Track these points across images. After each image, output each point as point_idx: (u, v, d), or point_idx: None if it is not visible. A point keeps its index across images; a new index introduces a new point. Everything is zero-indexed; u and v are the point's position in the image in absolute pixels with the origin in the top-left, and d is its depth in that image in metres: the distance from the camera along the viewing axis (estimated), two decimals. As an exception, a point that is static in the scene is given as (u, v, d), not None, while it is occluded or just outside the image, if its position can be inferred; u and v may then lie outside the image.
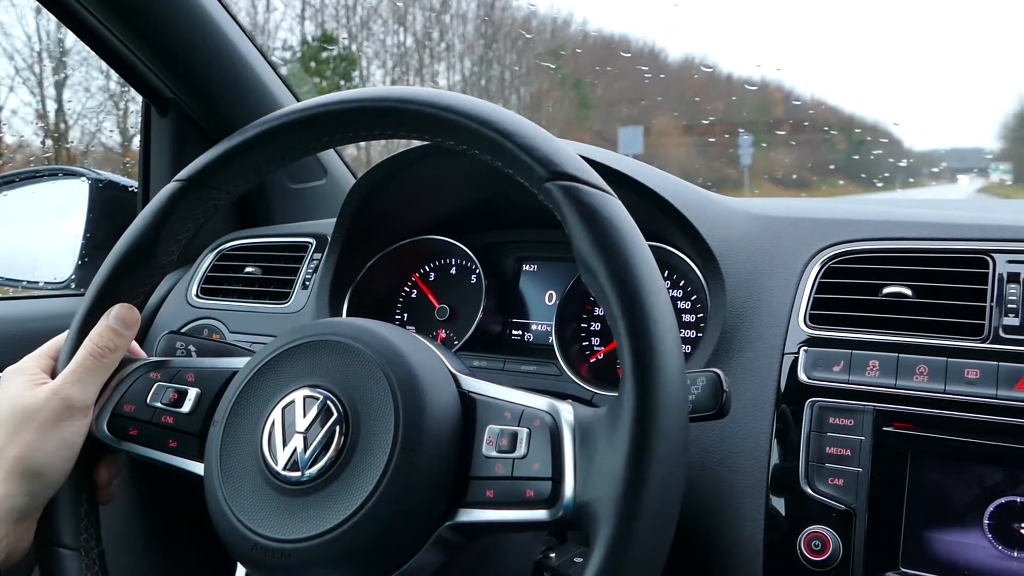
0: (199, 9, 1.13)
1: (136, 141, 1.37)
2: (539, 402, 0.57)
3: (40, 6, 1.06)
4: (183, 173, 0.70)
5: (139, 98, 1.27)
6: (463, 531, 0.57)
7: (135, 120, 1.37)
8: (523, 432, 0.55)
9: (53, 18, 1.10)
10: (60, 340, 0.71)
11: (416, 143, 0.96)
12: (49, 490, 0.65)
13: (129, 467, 0.74)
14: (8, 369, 0.69)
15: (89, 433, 0.67)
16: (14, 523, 0.63)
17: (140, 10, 1.09)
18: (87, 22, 1.09)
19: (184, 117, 1.24)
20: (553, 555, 0.73)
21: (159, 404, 0.67)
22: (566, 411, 0.56)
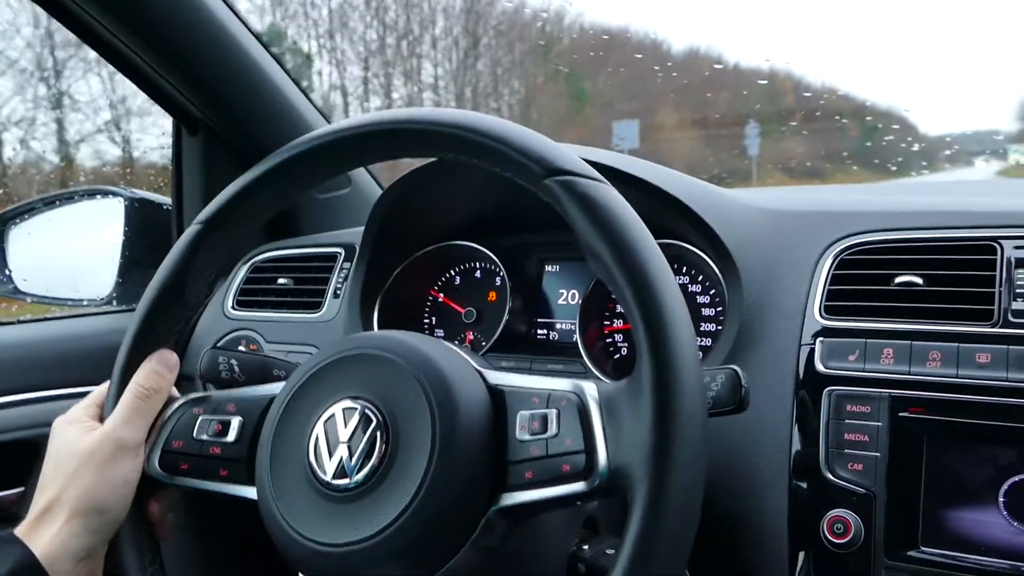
0: (225, 31, 1.16)
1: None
2: (563, 384, 0.61)
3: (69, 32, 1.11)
4: (202, 215, 0.73)
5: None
6: (509, 514, 0.60)
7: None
8: (552, 413, 0.59)
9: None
10: (104, 389, 0.75)
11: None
12: (111, 527, 0.69)
13: (185, 501, 0.78)
14: (57, 420, 0.73)
15: (142, 472, 0.71)
16: (80, 562, 0.67)
17: (166, 33, 1.12)
18: (114, 46, 1.13)
19: (214, 136, 1.28)
20: (586, 547, 0.76)
21: (205, 436, 0.71)
22: (590, 388, 0.60)
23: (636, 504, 0.53)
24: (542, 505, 0.60)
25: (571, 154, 0.63)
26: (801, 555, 0.77)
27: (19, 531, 0.67)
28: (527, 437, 0.59)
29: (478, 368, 0.65)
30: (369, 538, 0.58)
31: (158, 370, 0.73)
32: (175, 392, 0.77)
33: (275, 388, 0.71)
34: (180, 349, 0.77)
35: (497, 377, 0.64)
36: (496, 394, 0.63)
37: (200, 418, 0.72)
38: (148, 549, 0.71)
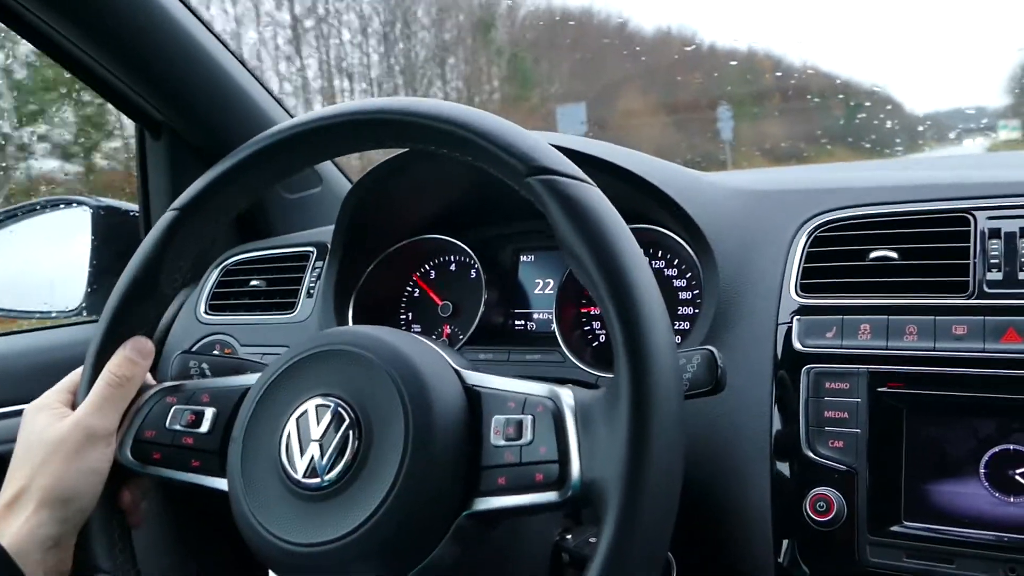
0: (181, 30, 1.14)
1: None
2: (540, 389, 0.60)
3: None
4: (177, 202, 0.72)
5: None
6: (480, 519, 0.59)
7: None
8: (527, 419, 0.58)
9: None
10: (77, 375, 0.74)
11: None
12: (80, 516, 0.68)
13: (157, 489, 0.77)
14: (29, 406, 0.72)
15: (114, 460, 0.70)
16: (48, 551, 0.66)
17: (122, 35, 1.10)
18: (67, 50, 1.10)
19: (177, 139, 1.26)
20: (569, 536, 0.76)
21: (178, 426, 0.70)
22: (566, 395, 0.59)
23: (608, 519, 0.52)
24: (514, 511, 0.59)
25: (554, 151, 0.61)
26: (785, 542, 0.76)
27: None
28: (502, 442, 0.59)
29: (455, 367, 0.64)
30: (339, 539, 0.57)
31: (132, 357, 0.72)
32: (150, 380, 0.76)
33: (250, 379, 0.70)
34: (155, 338, 0.76)
35: (474, 377, 0.63)
36: (472, 395, 0.62)
37: (174, 408, 0.71)
38: (119, 538, 0.70)
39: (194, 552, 1.22)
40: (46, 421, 0.69)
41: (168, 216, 0.72)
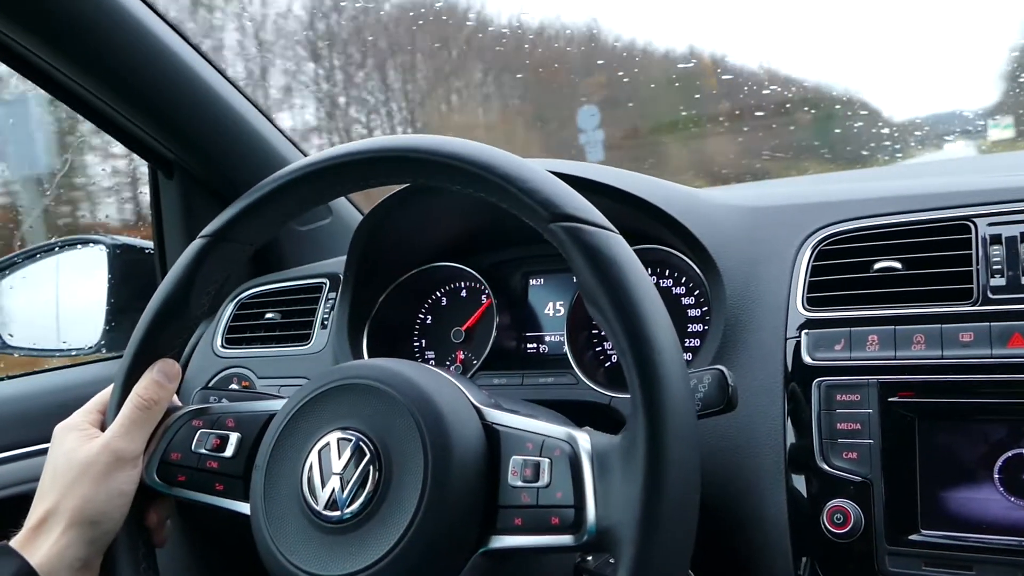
0: (190, 71, 1.16)
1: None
2: (558, 432, 0.61)
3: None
4: (208, 229, 0.74)
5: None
6: (495, 557, 0.60)
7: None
8: (545, 462, 0.59)
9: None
10: (106, 395, 0.76)
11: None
12: (107, 537, 0.69)
13: (180, 511, 0.78)
14: (59, 426, 0.74)
15: (140, 481, 0.71)
16: (77, 572, 0.67)
17: (129, 76, 1.12)
18: (78, 93, 1.12)
19: (190, 177, 1.28)
20: (590, 559, 0.76)
21: (203, 450, 0.71)
22: (583, 440, 0.59)
23: (622, 567, 0.54)
24: (529, 551, 0.60)
25: (578, 197, 0.63)
26: (804, 560, 0.77)
27: (15, 542, 0.67)
28: (519, 483, 0.60)
29: (475, 404, 0.65)
30: (357, 572, 0.58)
31: (159, 380, 0.73)
32: (176, 402, 0.77)
33: (275, 405, 0.71)
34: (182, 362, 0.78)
35: (494, 415, 0.64)
36: (491, 433, 0.63)
37: (199, 431, 0.72)
38: (143, 557, 0.71)
39: (216, 574, 1.22)
40: (75, 442, 0.71)
41: (199, 242, 0.74)
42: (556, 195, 0.62)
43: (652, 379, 0.56)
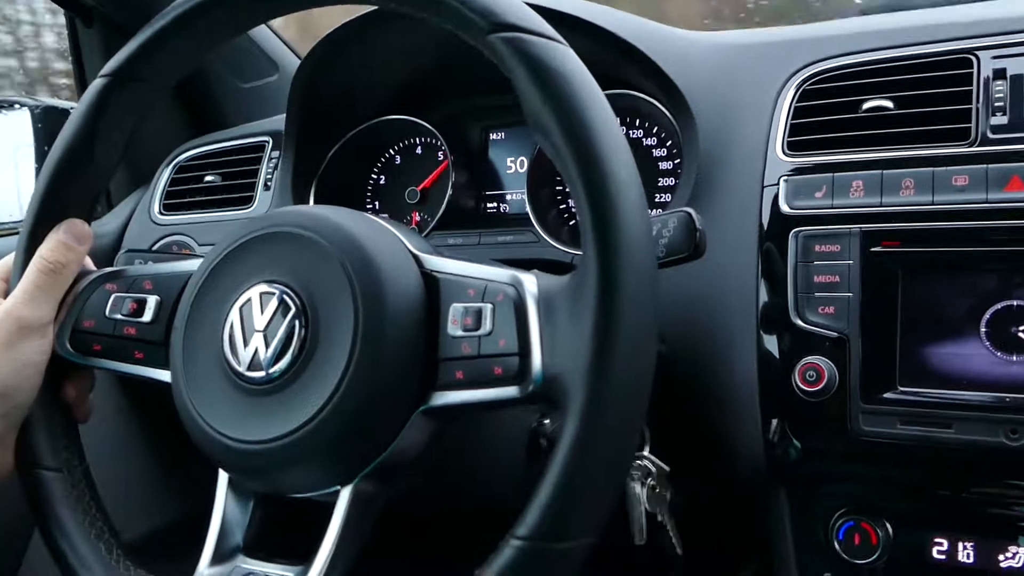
0: None
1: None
2: (502, 275, 0.54)
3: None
4: (108, 67, 0.66)
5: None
6: (438, 416, 0.56)
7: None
8: (487, 308, 0.53)
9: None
10: (8, 261, 0.69)
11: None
12: (19, 411, 0.64)
13: (105, 382, 0.73)
14: None
15: (52, 352, 0.65)
16: None
17: None
18: None
19: (110, 24, 1.16)
20: (547, 421, 0.72)
21: (119, 316, 0.65)
22: (529, 282, 0.53)
23: (570, 416, 0.48)
24: (472, 407, 0.55)
25: (520, 4, 0.54)
26: (774, 422, 0.72)
27: None
28: (460, 333, 0.54)
29: (413, 251, 0.58)
30: (284, 436, 0.53)
31: (66, 241, 0.66)
32: (89, 266, 0.70)
33: (195, 264, 0.64)
34: (106, 243, 0.70)
35: (433, 262, 0.57)
36: (430, 281, 0.57)
37: (114, 295, 0.66)
38: (63, 433, 0.66)
39: (146, 445, 1.17)
40: None
41: (98, 83, 0.66)
42: (495, 2, 0.53)
43: (604, 206, 0.49)
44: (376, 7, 0.65)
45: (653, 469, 0.73)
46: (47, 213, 0.67)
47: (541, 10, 0.63)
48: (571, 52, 0.53)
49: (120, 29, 1.16)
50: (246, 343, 0.56)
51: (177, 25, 0.64)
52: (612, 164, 0.50)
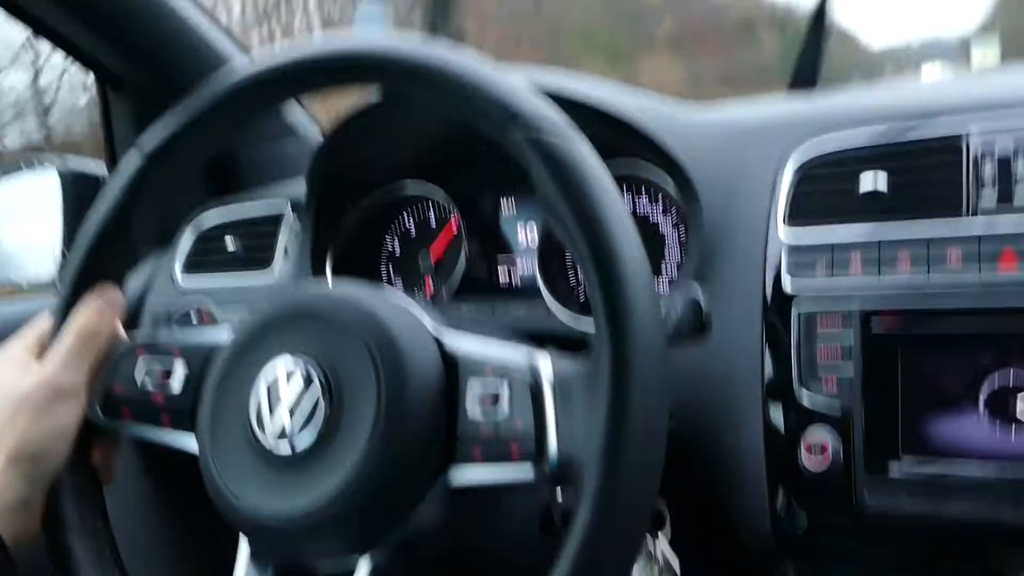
0: None
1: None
2: (519, 356, 0.57)
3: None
4: (145, 144, 0.69)
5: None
6: (454, 490, 0.57)
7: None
8: (505, 389, 0.56)
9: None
10: (44, 324, 0.71)
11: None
12: (49, 475, 0.66)
13: (130, 446, 0.75)
14: None
15: (83, 416, 0.68)
16: (15, 512, 0.64)
17: None
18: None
19: (140, 91, 1.20)
20: (560, 498, 0.74)
21: (148, 382, 0.68)
22: (545, 365, 0.56)
23: (585, 499, 0.50)
24: (490, 488, 0.57)
25: (539, 100, 0.57)
26: (781, 489, 0.74)
27: None
28: (478, 412, 0.56)
29: (432, 329, 0.61)
30: (307, 508, 0.55)
31: (100, 308, 0.69)
32: (121, 332, 0.73)
33: (223, 335, 0.67)
34: (130, 304, 0.73)
35: (452, 341, 0.60)
36: (450, 360, 0.59)
37: (144, 362, 0.68)
38: (89, 497, 0.68)
39: (169, 511, 1.19)
40: (11, 376, 0.67)
41: (135, 159, 0.69)
42: (514, 97, 0.57)
43: (617, 298, 0.52)
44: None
45: (661, 561, 0.75)
46: (83, 281, 0.70)
47: (549, 89, 0.66)
48: (586, 147, 0.56)
49: (150, 95, 1.21)
50: (272, 416, 0.58)
51: (214, 105, 0.67)
52: (624, 257, 0.53)
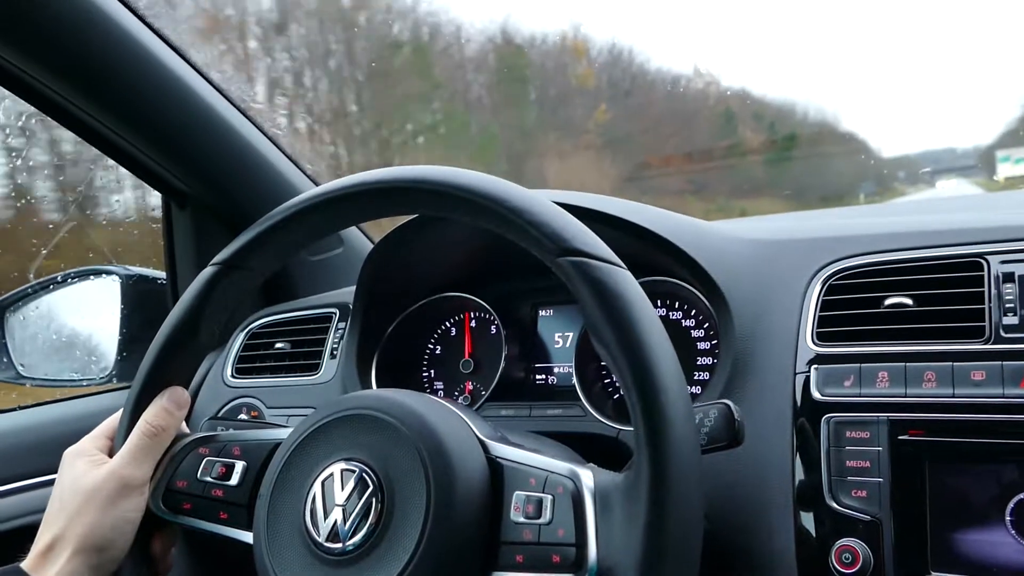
0: (202, 101, 1.18)
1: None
2: (562, 467, 0.61)
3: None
4: (219, 257, 0.76)
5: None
6: None
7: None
8: (547, 499, 0.59)
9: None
10: (114, 421, 0.77)
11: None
12: (112, 564, 0.70)
13: (185, 538, 0.79)
14: (68, 451, 0.75)
15: (146, 509, 0.72)
16: None
17: (138, 106, 1.13)
18: (91, 126, 1.13)
19: (202, 207, 1.29)
20: None
21: (209, 478, 0.72)
22: (587, 477, 0.59)
23: None
24: None
25: (587, 231, 0.63)
26: None
27: (25, 565, 0.68)
28: (521, 519, 0.60)
29: (480, 437, 0.65)
30: None
31: (168, 408, 0.74)
32: (184, 429, 0.78)
33: (281, 434, 0.72)
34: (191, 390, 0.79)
35: (498, 449, 0.64)
36: (495, 468, 0.63)
37: (205, 459, 0.73)
38: None
39: None
40: (83, 468, 0.72)
41: (210, 270, 0.76)
42: (564, 229, 0.62)
43: (656, 418, 0.56)
44: None
45: None
46: (153, 382, 0.75)
47: (583, 211, 0.71)
48: (629, 276, 0.61)
49: (211, 212, 1.30)
50: (326, 515, 0.62)
51: (285, 223, 0.74)
52: (663, 378, 0.57)
